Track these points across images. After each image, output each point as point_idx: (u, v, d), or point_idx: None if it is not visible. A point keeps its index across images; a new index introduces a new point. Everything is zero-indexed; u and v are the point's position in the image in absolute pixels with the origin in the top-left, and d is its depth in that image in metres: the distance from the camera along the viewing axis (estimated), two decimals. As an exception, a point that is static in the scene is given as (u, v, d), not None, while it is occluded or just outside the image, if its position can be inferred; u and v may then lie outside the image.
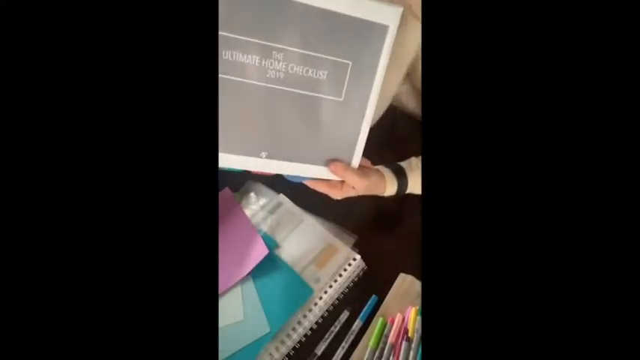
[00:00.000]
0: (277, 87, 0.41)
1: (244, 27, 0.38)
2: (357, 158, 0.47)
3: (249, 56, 0.39)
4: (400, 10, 0.39)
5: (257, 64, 0.39)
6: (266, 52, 0.39)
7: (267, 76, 0.40)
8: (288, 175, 0.48)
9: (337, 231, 0.63)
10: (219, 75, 0.40)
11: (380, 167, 0.55)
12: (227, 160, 0.44)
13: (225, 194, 0.68)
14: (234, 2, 0.37)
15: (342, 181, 0.51)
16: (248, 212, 0.66)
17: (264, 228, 0.64)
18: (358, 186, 0.50)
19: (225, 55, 0.38)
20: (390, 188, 0.55)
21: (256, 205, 0.68)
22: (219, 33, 0.38)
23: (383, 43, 0.40)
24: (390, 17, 0.39)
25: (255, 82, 0.40)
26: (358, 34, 0.39)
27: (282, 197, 0.68)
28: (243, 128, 0.43)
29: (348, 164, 0.48)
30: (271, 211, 0.67)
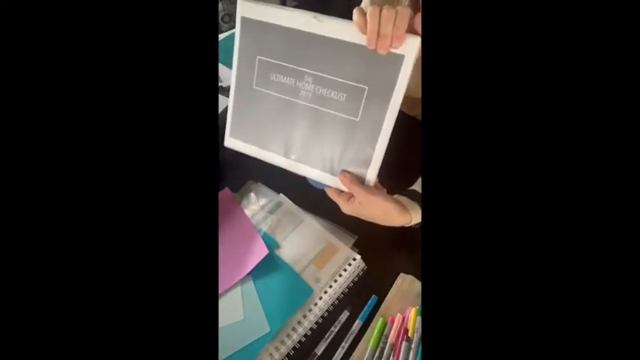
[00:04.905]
0: (306, 104, 0.50)
1: (287, 56, 0.48)
2: (370, 175, 0.50)
3: (288, 78, 0.49)
4: (418, 39, 0.41)
5: (293, 85, 0.49)
6: (300, 76, 0.49)
7: (300, 94, 0.49)
8: (311, 180, 0.55)
9: (337, 231, 0.63)
10: (267, 91, 0.51)
11: (397, 197, 0.54)
12: (265, 155, 0.55)
13: (225, 194, 0.68)
14: (279, 37, 0.48)
15: (352, 195, 0.51)
16: (248, 212, 0.66)
17: (264, 228, 0.64)
18: (365, 202, 0.49)
19: (272, 76, 0.50)
20: (416, 216, 0.53)
21: (256, 205, 0.68)
22: (270, 60, 0.49)
23: (399, 71, 0.44)
24: (406, 47, 0.42)
25: (290, 99, 0.50)
26: (375, 63, 0.44)
27: (282, 197, 0.68)
28: (280, 133, 0.53)
29: (361, 179, 0.50)
30: (271, 211, 0.67)
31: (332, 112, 0.49)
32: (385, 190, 0.52)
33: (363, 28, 0.41)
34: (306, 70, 0.48)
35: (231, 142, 0.57)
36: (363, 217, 0.53)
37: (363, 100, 0.46)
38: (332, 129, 0.49)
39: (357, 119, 0.48)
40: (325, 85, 0.48)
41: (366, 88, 0.46)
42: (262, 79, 0.51)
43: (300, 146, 0.52)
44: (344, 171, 0.50)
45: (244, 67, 0.52)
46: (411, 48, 0.42)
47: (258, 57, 0.50)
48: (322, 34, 0.45)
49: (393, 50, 0.42)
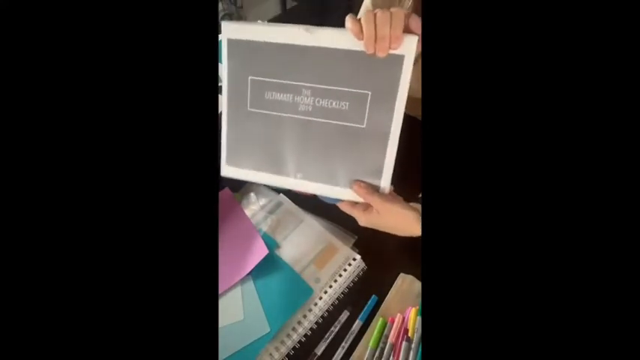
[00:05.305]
0: (307, 118, 0.48)
1: (280, 72, 0.47)
2: (385, 183, 0.49)
3: (285, 95, 0.48)
4: (415, 38, 0.41)
5: (290, 101, 0.48)
6: (297, 90, 0.47)
7: (299, 109, 0.48)
8: (322, 197, 0.53)
9: (337, 231, 0.63)
10: (263, 111, 0.49)
11: (413, 204, 0.52)
12: (268, 179, 0.53)
13: (225, 194, 0.68)
14: (270, 54, 0.47)
15: (369, 206, 0.50)
16: (248, 212, 0.66)
17: (264, 228, 0.64)
18: (383, 211, 0.48)
19: (267, 95, 0.49)
20: None
21: (256, 205, 0.68)
22: (263, 79, 0.48)
23: (400, 71, 0.43)
24: (405, 47, 0.42)
25: (289, 115, 0.49)
26: (374, 67, 0.44)
27: (282, 197, 0.68)
28: (282, 153, 0.51)
29: (375, 188, 0.49)
30: (271, 211, 0.67)
31: (336, 122, 0.47)
32: (402, 199, 0.51)
33: (359, 34, 0.41)
34: (303, 83, 0.47)
35: (228, 170, 0.54)
36: (381, 228, 0.51)
37: (368, 106, 0.45)
38: (338, 140, 0.48)
39: (364, 126, 0.46)
40: (325, 96, 0.46)
41: (369, 93, 0.45)
42: (257, 99, 0.49)
43: (305, 163, 0.50)
44: (358, 181, 0.49)
45: (236, 89, 0.50)
46: (409, 47, 0.42)
47: (250, 77, 0.49)
48: (315, 45, 0.45)
49: (392, 51, 0.42)
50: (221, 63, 0.71)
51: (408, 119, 0.46)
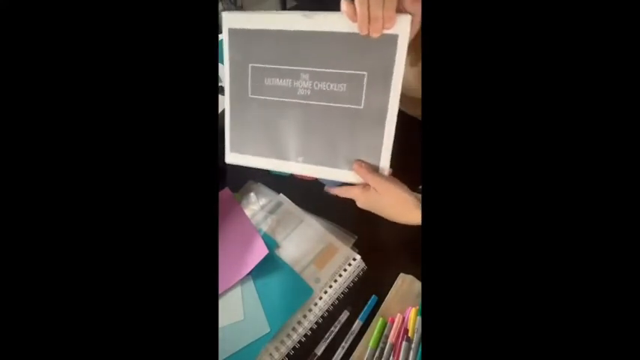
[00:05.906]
0: (306, 102, 0.49)
1: (279, 58, 0.48)
2: (384, 163, 0.49)
3: (284, 80, 0.49)
4: (409, 17, 0.42)
5: (289, 86, 0.49)
6: (295, 75, 0.48)
7: (298, 93, 0.49)
8: (324, 180, 0.54)
9: (337, 231, 0.63)
10: (264, 97, 0.51)
11: (417, 195, 0.52)
12: (270, 163, 0.54)
13: (225, 194, 0.68)
14: (269, 41, 0.48)
15: (368, 185, 0.50)
16: (248, 212, 0.66)
17: (264, 228, 0.64)
18: (382, 190, 0.49)
19: (266, 81, 0.50)
20: None
21: (256, 205, 0.68)
22: (263, 65, 0.49)
23: (395, 51, 0.44)
24: (398, 26, 0.42)
25: (289, 100, 0.50)
26: (370, 48, 0.44)
27: (282, 197, 0.68)
28: (283, 137, 0.52)
29: (375, 168, 0.49)
30: (271, 211, 0.67)
31: (334, 104, 0.48)
32: (401, 182, 0.51)
33: (353, 16, 0.42)
34: (301, 67, 0.48)
35: (232, 157, 0.56)
36: (379, 211, 0.51)
37: (364, 87, 0.46)
38: (337, 121, 0.49)
39: (361, 107, 0.47)
40: (323, 79, 0.47)
41: (365, 73, 0.46)
42: (257, 85, 0.50)
43: (306, 146, 0.51)
44: (358, 160, 0.49)
45: (237, 77, 0.51)
46: (403, 27, 0.42)
47: (251, 65, 0.50)
48: (312, 29, 0.45)
49: (386, 32, 0.42)
50: (221, 63, 0.71)
51: (407, 119, 0.46)
